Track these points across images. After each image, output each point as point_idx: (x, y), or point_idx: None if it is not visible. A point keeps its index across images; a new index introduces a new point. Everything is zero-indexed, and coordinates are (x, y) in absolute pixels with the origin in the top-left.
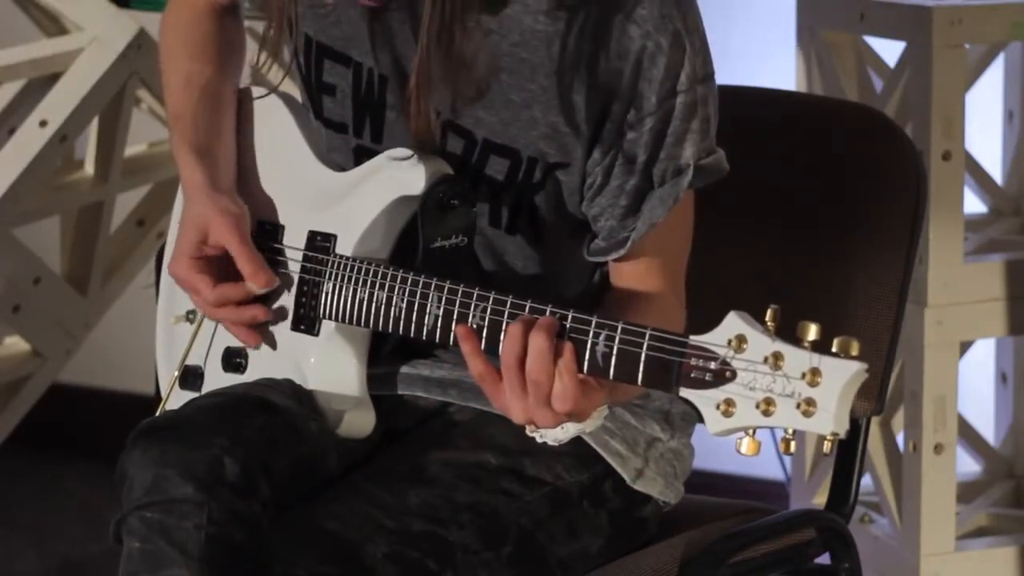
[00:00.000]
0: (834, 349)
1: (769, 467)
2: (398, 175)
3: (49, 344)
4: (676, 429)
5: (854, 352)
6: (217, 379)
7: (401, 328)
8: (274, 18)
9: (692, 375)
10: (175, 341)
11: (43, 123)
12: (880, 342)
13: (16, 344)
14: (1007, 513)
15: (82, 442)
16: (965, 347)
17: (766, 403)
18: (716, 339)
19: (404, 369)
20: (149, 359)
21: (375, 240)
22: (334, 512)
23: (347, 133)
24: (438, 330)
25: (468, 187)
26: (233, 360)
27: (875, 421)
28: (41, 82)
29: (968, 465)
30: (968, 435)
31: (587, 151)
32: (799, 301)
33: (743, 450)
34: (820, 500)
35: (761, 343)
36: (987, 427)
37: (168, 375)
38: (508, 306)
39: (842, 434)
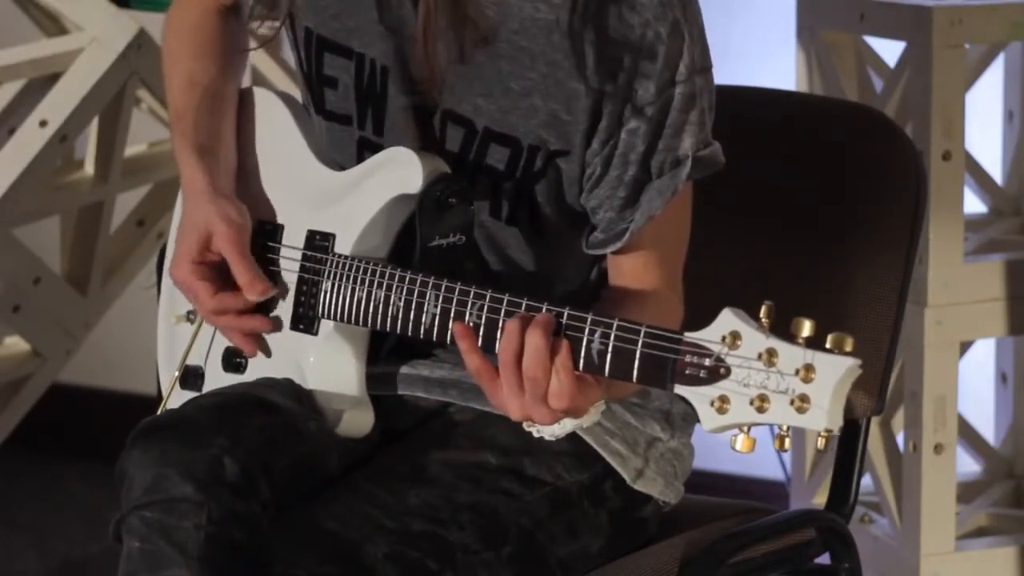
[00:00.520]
0: (828, 345)
1: (769, 467)
2: (396, 174)
3: (49, 344)
4: (676, 429)
5: (848, 348)
6: (217, 379)
7: (399, 326)
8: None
9: (687, 372)
10: (176, 341)
11: (43, 123)
12: (880, 342)
13: (16, 344)
14: (1007, 513)
15: (82, 442)
16: (965, 347)
17: (760, 400)
18: (710, 336)
19: (404, 369)
20: (149, 359)
21: (374, 239)
22: (334, 512)
23: (351, 125)
24: (435, 328)
25: (466, 185)
26: (233, 360)
27: (875, 421)
28: (41, 82)
29: (968, 465)
30: (968, 435)
31: (587, 139)
32: (799, 301)
33: (738, 447)
34: (820, 500)
35: (755, 340)
36: (987, 427)
37: (168, 375)
38: (505, 304)
39: (836, 430)
